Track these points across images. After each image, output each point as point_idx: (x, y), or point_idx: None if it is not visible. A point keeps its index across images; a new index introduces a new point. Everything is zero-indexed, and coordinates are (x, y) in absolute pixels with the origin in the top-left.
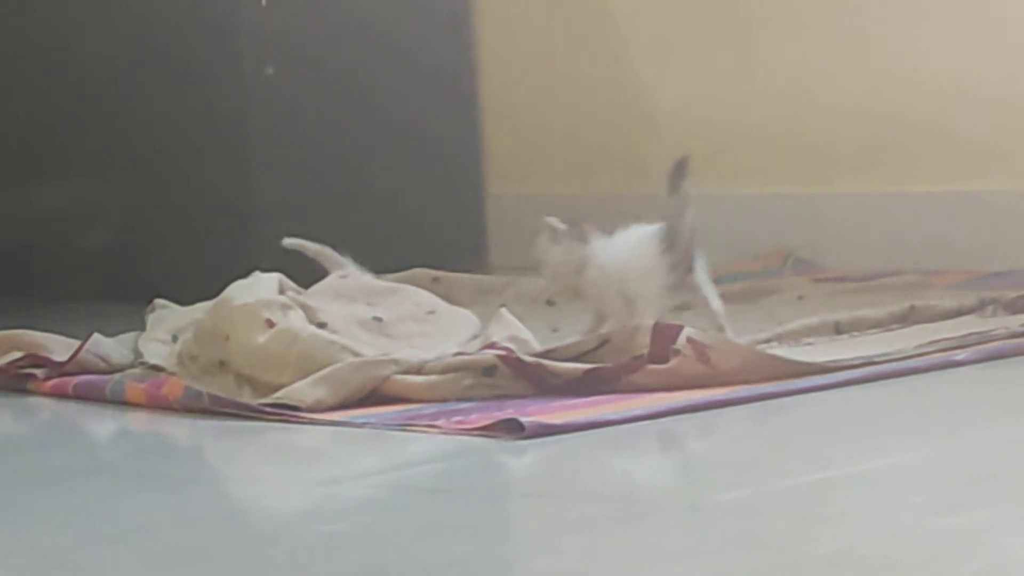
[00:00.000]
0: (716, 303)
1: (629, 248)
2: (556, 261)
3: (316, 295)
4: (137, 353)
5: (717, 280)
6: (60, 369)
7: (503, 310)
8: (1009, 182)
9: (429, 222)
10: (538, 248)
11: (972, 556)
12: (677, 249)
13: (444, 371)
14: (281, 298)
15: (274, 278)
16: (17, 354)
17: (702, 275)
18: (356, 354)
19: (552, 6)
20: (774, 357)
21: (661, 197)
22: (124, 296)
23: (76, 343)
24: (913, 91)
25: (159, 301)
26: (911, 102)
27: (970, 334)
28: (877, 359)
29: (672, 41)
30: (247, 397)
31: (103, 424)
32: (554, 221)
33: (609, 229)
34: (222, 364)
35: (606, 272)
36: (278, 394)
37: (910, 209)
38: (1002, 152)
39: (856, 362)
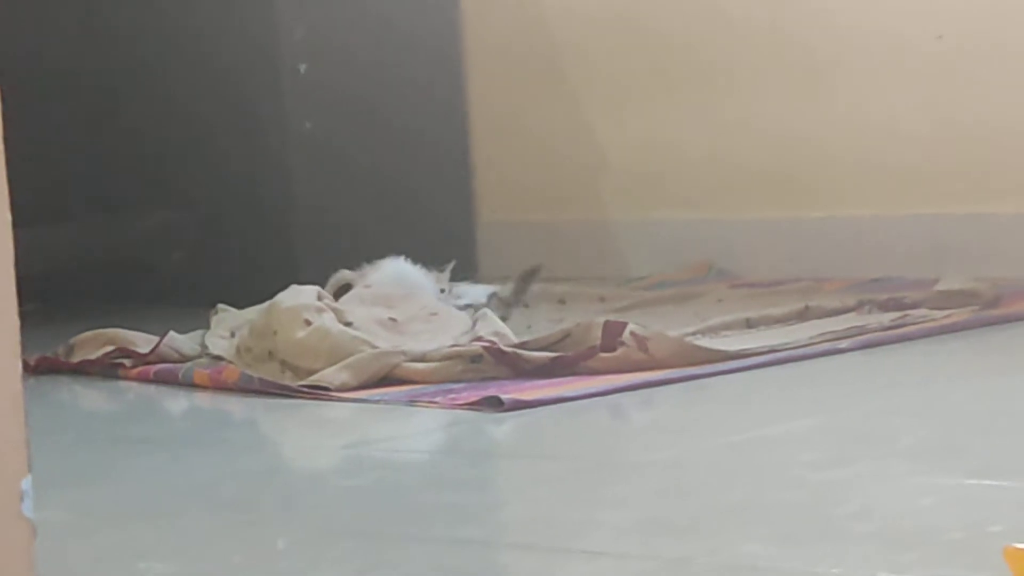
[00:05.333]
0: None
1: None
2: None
3: (345, 302)
4: (203, 346)
5: (657, 286)
6: (144, 359)
7: (487, 311)
8: (878, 210)
9: (433, 244)
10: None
11: (847, 501)
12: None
13: (442, 359)
14: (317, 303)
15: (313, 289)
16: (110, 347)
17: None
18: (374, 346)
19: (528, 77)
20: (698, 346)
21: (610, 222)
22: (193, 302)
23: (156, 339)
24: (808, 141)
25: (221, 305)
26: (805, 149)
27: (851, 327)
28: (778, 347)
29: (619, 99)
30: (289, 380)
31: (176, 402)
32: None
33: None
34: (270, 354)
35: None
36: (313, 377)
37: (805, 230)
38: (873, 186)
39: (762, 350)
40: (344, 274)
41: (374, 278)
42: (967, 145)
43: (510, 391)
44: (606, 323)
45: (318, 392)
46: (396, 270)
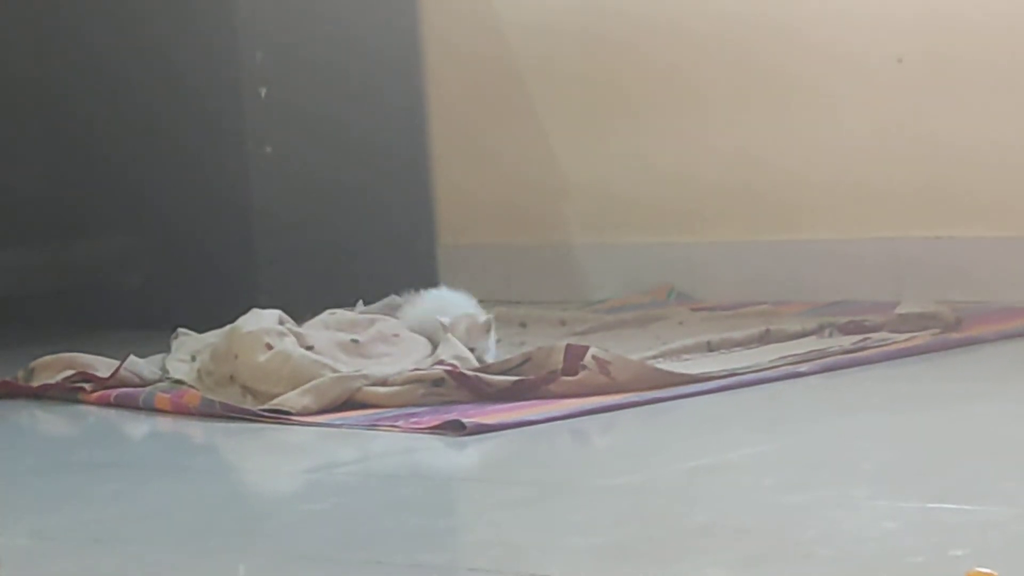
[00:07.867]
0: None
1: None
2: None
3: (309, 326)
4: (164, 370)
5: (618, 309)
6: (103, 383)
7: (449, 335)
8: (839, 233)
9: (396, 266)
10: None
11: (809, 525)
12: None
13: (403, 383)
14: (279, 327)
15: (274, 313)
16: (70, 372)
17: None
18: (335, 371)
19: (490, 101)
20: (660, 370)
21: (571, 245)
22: (153, 326)
23: (116, 363)
24: (770, 165)
25: (181, 329)
26: (767, 173)
27: (812, 351)
28: (739, 371)
29: (581, 121)
30: (250, 404)
31: (137, 426)
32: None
33: None
34: (231, 378)
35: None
36: (274, 402)
37: (764, 253)
38: (834, 209)
39: (723, 373)
40: (394, 299)
41: (422, 306)
42: (928, 169)
43: (472, 415)
44: (568, 347)
45: (279, 416)
46: (438, 296)
